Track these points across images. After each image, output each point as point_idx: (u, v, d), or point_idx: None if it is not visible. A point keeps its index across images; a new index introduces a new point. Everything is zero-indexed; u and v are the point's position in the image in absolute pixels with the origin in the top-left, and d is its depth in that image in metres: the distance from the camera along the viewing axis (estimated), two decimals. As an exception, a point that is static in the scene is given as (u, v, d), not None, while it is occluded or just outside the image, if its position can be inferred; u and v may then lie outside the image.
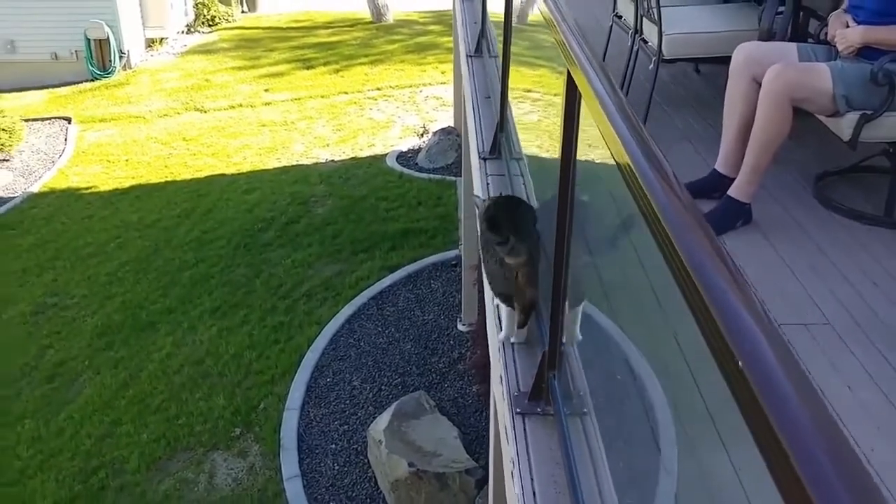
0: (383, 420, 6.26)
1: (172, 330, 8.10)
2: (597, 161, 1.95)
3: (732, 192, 3.16)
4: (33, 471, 6.51)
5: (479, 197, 2.94)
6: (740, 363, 0.75)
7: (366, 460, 6.34)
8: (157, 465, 6.50)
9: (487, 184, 3.31)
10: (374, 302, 8.21)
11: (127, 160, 12.37)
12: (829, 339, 2.45)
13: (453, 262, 8.63)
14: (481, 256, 2.34)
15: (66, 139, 13.18)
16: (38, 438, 6.89)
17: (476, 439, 6.31)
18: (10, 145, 12.48)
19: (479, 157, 3.51)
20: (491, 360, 2.57)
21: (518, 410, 2.12)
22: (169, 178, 11.70)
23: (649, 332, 2.46)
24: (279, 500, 6.03)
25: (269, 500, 5.98)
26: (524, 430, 2.09)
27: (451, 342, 7.61)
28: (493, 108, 3.93)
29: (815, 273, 2.82)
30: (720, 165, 3.37)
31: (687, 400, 2.21)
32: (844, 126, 3.01)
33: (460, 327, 7.71)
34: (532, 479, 1.93)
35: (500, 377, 2.32)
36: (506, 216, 2.18)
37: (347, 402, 6.95)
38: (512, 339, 2.37)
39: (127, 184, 11.65)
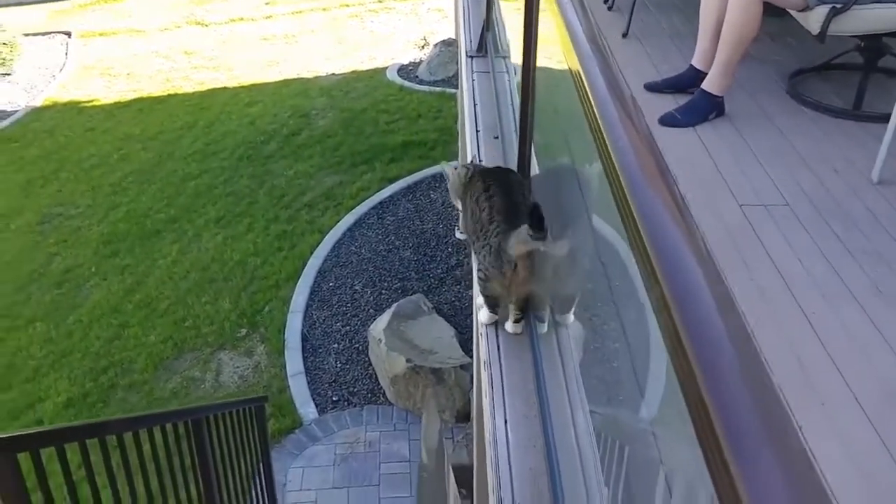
0: (383, 321, 6.50)
1: (178, 238, 8.31)
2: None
3: (706, 85, 3.29)
4: (46, 369, 6.79)
5: (449, 164, 2.47)
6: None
7: (367, 358, 6.60)
8: (165, 364, 6.77)
9: (473, 80, 3.44)
10: (375, 211, 8.40)
11: (128, 74, 12.43)
12: (787, 220, 2.62)
13: (452, 173, 8.76)
14: (470, 244, 2.08)
15: (66, 54, 13.21)
16: (50, 340, 7.15)
17: (471, 338, 6.55)
18: (12, 60, 12.52)
19: (466, 55, 3.63)
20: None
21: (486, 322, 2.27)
22: (171, 92, 11.77)
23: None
24: (284, 396, 6.30)
25: (275, 396, 6.25)
26: (496, 336, 2.23)
27: (449, 249, 7.81)
28: (481, 7, 4.03)
29: (779, 160, 2.97)
30: (696, 61, 3.50)
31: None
32: (813, 20, 3.12)
33: (458, 235, 7.77)
34: (502, 383, 2.04)
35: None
36: (504, 196, 1.93)
37: (349, 305, 7.18)
38: (509, 329, 2.09)
39: (129, 97, 11.73)
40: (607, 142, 0.98)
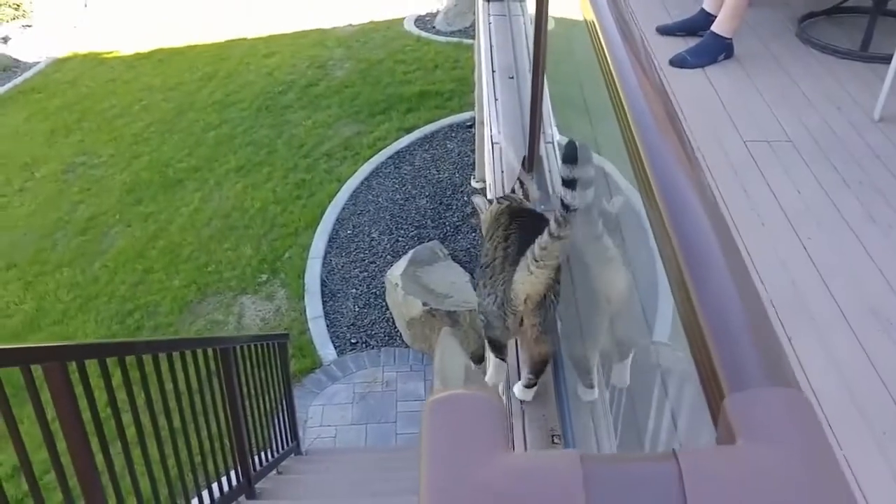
0: (400, 266, 6.65)
1: (199, 186, 8.47)
2: None
3: (715, 27, 3.39)
4: (74, 312, 7.00)
5: (479, 194, 2.43)
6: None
7: (384, 303, 6.77)
8: (189, 308, 6.96)
9: (490, 23, 3.55)
10: (392, 161, 8.51)
11: (147, 24, 12.51)
12: (788, 154, 2.74)
13: (468, 124, 8.85)
14: (477, 281, 2.02)
15: (86, 4, 13.28)
16: (76, 284, 7.36)
17: (486, 284, 6.70)
18: (31, 11, 12.63)
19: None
20: (485, 168, 2.86)
21: (503, 207, 2.43)
22: (190, 43, 11.86)
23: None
24: (304, 338, 6.49)
25: (296, 338, 6.44)
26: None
27: (465, 198, 7.93)
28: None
29: (785, 100, 3.08)
30: (707, 5, 3.59)
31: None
32: (821, -38, 3.21)
33: (474, 184, 8.01)
34: None
35: (490, 184, 2.63)
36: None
37: (367, 251, 7.34)
38: (516, 393, 1.97)
39: (148, 48, 11.83)
40: (617, 83, 1.03)
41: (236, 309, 6.91)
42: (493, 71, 3.23)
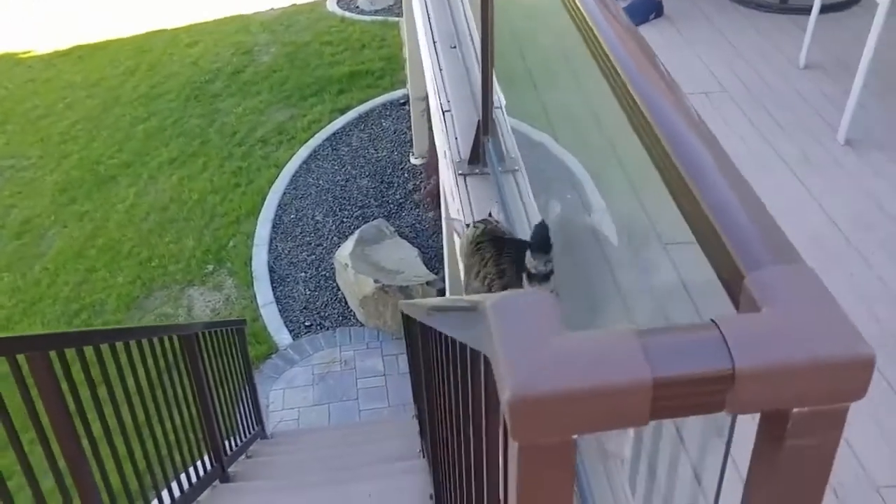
0: (348, 246, 6.70)
1: (134, 181, 8.37)
2: None
3: (646, -13, 3.53)
4: (18, 317, 6.90)
5: (459, 220, 2.36)
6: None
7: (335, 284, 6.82)
8: (136, 303, 6.92)
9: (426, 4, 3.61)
10: (329, 143, 8.53)
11: (61, 21, 12.22)
12: (726, 104, 2.88)
13: (402, 101, 8.91)
14: None
15: (-4, 4, 12.93)
16: (18, 289, 7.24)
17: (434, 257, 6.80)
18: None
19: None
20: (435, 138, 2.94)
21: (460, 172, 2.53)
22: (109, 37, 11.63)
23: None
24: (257, 324, 6.51)
25: (249, 325, 6.44)
26: (465, 187, 2.50)
27: (406, 175, 8.00)
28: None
29: (716, 53, 3.23)
30: (636, -34, 3.72)
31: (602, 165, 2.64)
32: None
33: (413, 160, 8.08)
34: (473, 219, 2.35)
35: (444, 152, 2.71)
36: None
37: (312, 234, 7.37)
38: None
39: (66, 45, 11.58)
40: (597, 34, 1.10)
41: (185, 301, 6.88)
42: (434, 42, 3.29)
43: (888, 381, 2.32)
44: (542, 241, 1.43)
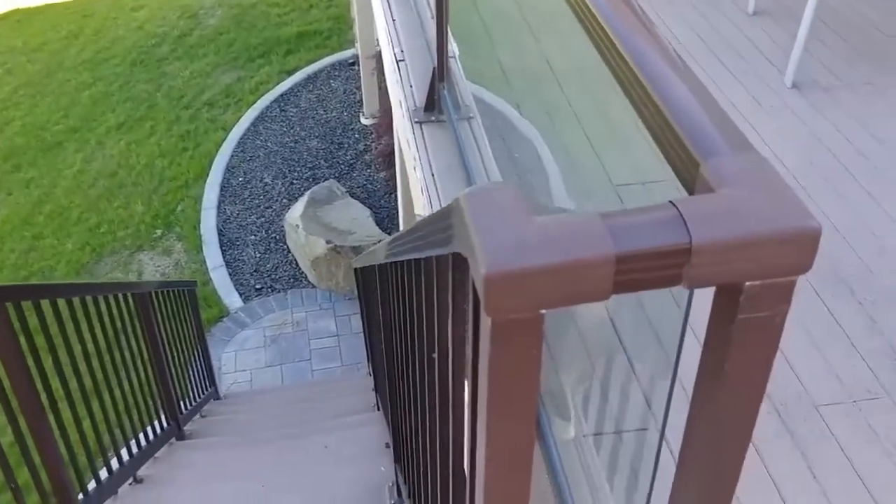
0: (298, 208, 6.68)
1: (80, 147, 8.23)
2: None
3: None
4: (-35, 286, 6.76)
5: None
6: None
7: (285, 246, 6.80)
8: (85, 269, 6.83)
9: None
10: (277, 104, 8.45)
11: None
12: (679, 53, 2.93)
13: (351, 61, 8.85)
14: None
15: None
16: (-37, 258, 7.10)
17: (387, 217, 6.81)
18: None
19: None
20: (389, 91, 2.95)
21: (416, 120, 2.55)
22: (49, 2, 11.34)
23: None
24: (207, 288, 6.48)
25: (199, 288, 6.41)
26: (422, 135, 2.52)
27: (356, 135, 7.97)
28: None
29: (669, 7, 3.28)
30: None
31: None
32: None
33: (363, 121, 8.05)
34: (430, 166, 2.38)
35: (400, 102, 2.73)
36: None
37: (261, 197, 7.33)
38: None
39: (2, 10, 11.27)
40: None
41: (135, 266, 6.82)
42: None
43: (829, 310, 2.42)
44: None
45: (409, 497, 2.22)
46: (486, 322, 0.60)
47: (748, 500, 1.95)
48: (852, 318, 2.42)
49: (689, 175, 0.68)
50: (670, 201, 0.61)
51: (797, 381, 2.23)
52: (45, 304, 2.65)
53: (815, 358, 2.31)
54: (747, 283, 0.61)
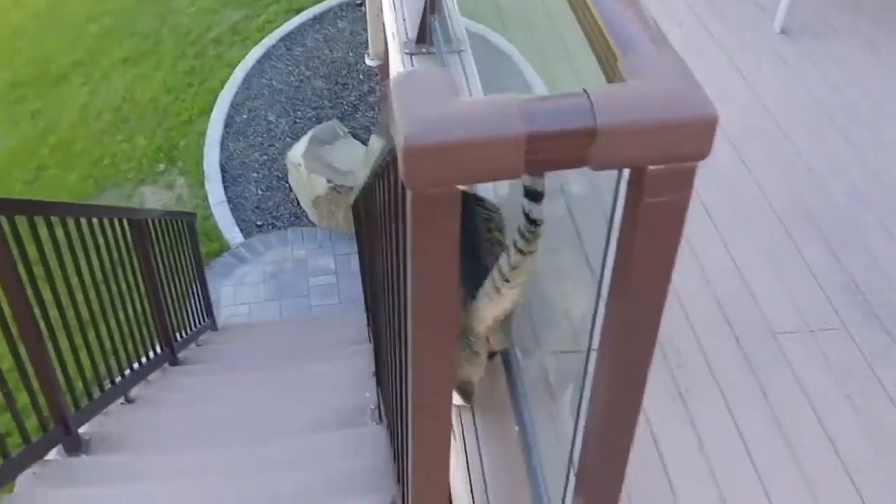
0: (301, 146, 6.70)
1: (86, 80, 8.23)
2: None
3: None
4: (-31, 214, 6.83)
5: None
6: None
7: (287, 185, 6.84)
8: (88, 201, 6.88)
9: None
10: (283, 43, 8.41)
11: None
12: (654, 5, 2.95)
13: (358, 2, 8.79)
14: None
15: None
16: (-33, 186, 7.16)
17: (387, 159, 6.83)
18: None
19: None
20: (385, 24, 2.97)
21: (407, 52, 2.57)
22: (57, -68, 11.25)
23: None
24: (209, 223, 6.54)
25: (200, 223, 6.47)
26: (412, 66, 2.55)
27: (361, 77, 7.95)
28: None
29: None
30: None
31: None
32: None
33: (368, 62, 8.02)
34: None
35: (392, 34, 2.75)
36: None
37: (265, 135, 7.35)
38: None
39: (13, -61, 11.19)
40: None
41: (137, 200, 6.87)
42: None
43: (797, 246, 2.49)
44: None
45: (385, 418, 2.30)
46: (408, 196, 0.65)
47: (697, 410, 2.05)
48: (818, 256, 2.52)
49: (611, 67, 0.73)
50: (584, 89, 0.66)
51: (758, 311, 2.30)
52: (44, 233, 2.69)
53: (778, 290, 2.39)
54: (650, 168, 0.65)
